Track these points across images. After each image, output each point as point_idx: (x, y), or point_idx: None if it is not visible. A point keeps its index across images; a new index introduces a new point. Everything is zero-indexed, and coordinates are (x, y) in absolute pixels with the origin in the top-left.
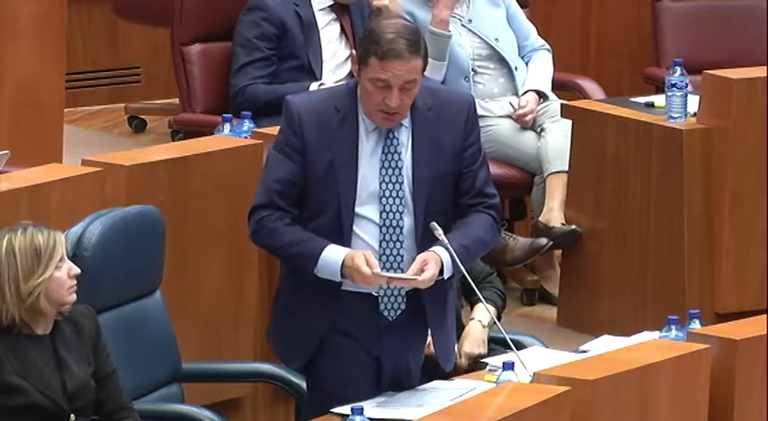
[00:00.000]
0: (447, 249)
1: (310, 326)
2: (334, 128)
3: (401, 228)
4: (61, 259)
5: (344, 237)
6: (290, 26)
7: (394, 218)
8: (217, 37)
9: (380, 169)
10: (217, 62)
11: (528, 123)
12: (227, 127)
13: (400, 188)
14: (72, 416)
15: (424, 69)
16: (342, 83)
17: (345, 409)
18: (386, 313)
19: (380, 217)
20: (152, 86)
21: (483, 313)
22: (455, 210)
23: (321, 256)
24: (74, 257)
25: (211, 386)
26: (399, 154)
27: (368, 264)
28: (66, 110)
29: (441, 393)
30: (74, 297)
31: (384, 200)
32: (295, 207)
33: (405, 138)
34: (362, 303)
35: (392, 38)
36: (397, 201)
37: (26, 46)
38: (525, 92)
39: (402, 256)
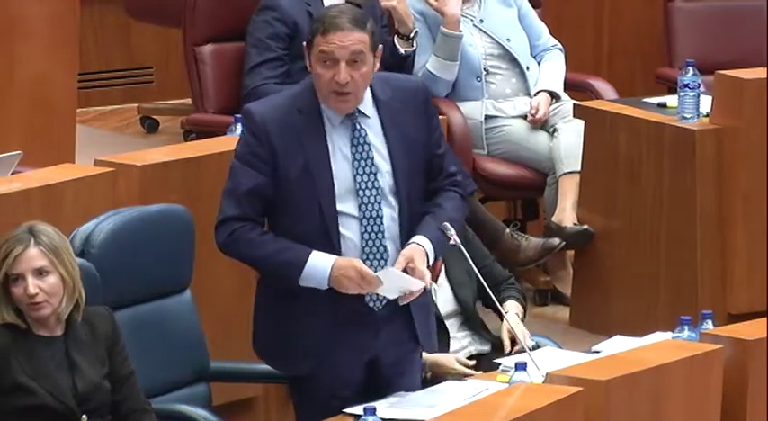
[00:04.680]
0: (433, 233)
1: (308, 335)
2: (300, 130)
3: (381, 219)
4: (16, 275)
5: (332, 237)
6: (302, 26)
7: (373, 209)
8: (229, 37)
9: (353, 162)
10: (229, 62)
11: (539, 123)
12: (239, 127)
13: (375, 178)
14: (84, 416)
15: (374, 50)
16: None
17: (358, 409)
18: (371, 304)
19: (359, 210)
20: (164, 87)
21: (514, 309)
22: (426, 194)
23: (306, 265)
24: (81, 254)
25: (223, 386)
26: (369, 144)
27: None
28: (78, 110)
29: (453, 393)
30: (39, 312)
31: (361, 192)
32: (263, 217)
33: (372, 129)
34: (353, 303)
35: (334, 14)
36: (374, 191)
37: (39, 46)
38: (537, 92)
39: (384, 247)
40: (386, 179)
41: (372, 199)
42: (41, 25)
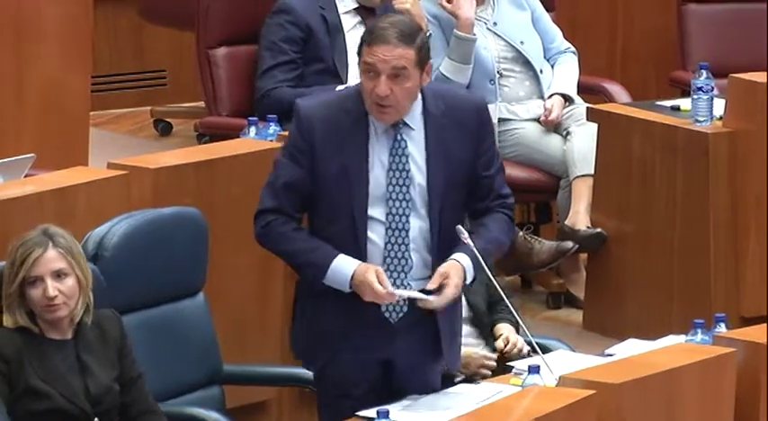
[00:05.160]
0: (472, 252)
1: (326, 330)
2: (345, 131)
3: (407, 231)
4: (35, 277)
5: (359, 241)
6: (315, 29)
7: (400, 220)
8: (242, 40)
9: (388, 171)
10: (242, 65)
11: (552, 125)
12: (252, 130)
13: (407, 191)
14: (96, 419)
15: (421, 66)
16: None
17: (371, 412)
18: (387, 315)
19: (386, 219)
20: (178, 89)
21: (507, 331)
22: (470, 212)
23: (330, 267)
24: (94, 257)
25: (236, 389)
26: (407, 156)
27: (379, 282)
28: (91, 113)
29: (466, 397)
30: (54, 315)
31: (390, 202)
32: (300, 212)
33: (414, 141)
34: (370, 309)
35: (384, 26)
36: (404, 203)
37: (52, 49)
38: (551, 95)
39: (407, 260)
40: (419, 192)
41: (401, 210)
42: (54, 28)
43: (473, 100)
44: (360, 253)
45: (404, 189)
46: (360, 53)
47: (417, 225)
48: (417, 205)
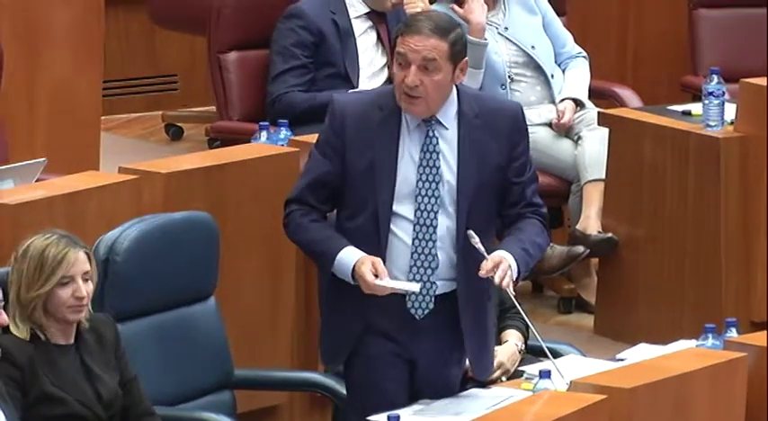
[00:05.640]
0: (483, 257)
1: (347, 327)
2: (376, 126)
3: (434, 228)
4: (69, 278)
5: (381, 236)
6: (326, 34)
7: (428, 217)
8: (254, 45)
9: (418, 167)
10: (254, 70)
11: (564, 129)
12: (264, 135)
13: (436, 187)
14: None
15: (453, 61)
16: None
17: (382, 417)
18: (413, 311)
19: (415, 215)
20: (189, 94)
21: (515, 338)
22: (501, 219)
23: (336, 258)
24: (106, 262)
25: (247, 393)
26: (438, 153)
27: (375, 272)
28: (103, 117)
29: (477, 401)
30: (77, 315)
31: (420, 198)
32: (326, 204)
33: (447, 140)
34: (395, 302)
35: (419, 18)
36: (433, 200)
37: (63, 53)
38: (562, 99)
39: (435, 256)
40: (448, 190)
41: (430, 207)
42: (66, 32)
43: (510, 106)
44: (379, 247)
45: (433, 185)
46: (395, 44)
47: (445, 223)
48: (446, 203)
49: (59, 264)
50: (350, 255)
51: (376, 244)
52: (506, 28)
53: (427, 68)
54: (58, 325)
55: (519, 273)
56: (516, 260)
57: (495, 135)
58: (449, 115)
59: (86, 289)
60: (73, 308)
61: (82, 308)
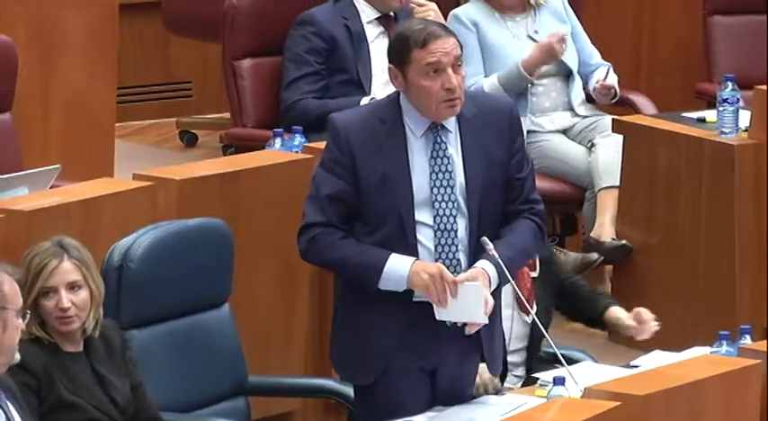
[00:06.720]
0: (497, 264)
1: (379, 344)
2: (382, 139)
3: (455, 232)
4: (49, 288)
5: (410, 244)
6: (339, 40)
7: (448, 221)
8: (267, 52)
9: (430, 174)
10: (267, 77)
11: (606, 91)
12: (278, 141)
13: (452, 192)
14: None
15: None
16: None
17: None
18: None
19: (434, 221)
20: (203, 101)
21: (622, 313)
22: (502, 215)
23: (386, 266)
24: (120, 268)
25: (261, 400)
26: (448, 157)
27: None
28: (117, 124)
29: (491, 408)
30: (68, 327)
31: (437, 204)
32: (345, 223)
33: (452, 142)
34: (429, 314)
35: (422, 26)
36: (450, 204)
37: (77, 60)
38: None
39: (459, 260)
40: (461, 192)
41: (448, 211)
42: (80, 39)
43: (504, 102)
44: (410, 252)
45: (448, 190)
46: (406, 62)
47: (464, 225)
48: (461, 206)
49: (38, 275)
50: (402, 261)
51: (405, 253)
52: (536, 31)
53: (457, 65)
54: (59, 334)
55: (500, 283)
56: (498, 271)
57: (496, 132)
58: (450, 119)
59: (73, 299)
60: (60, 319)
61: (70, 318)
